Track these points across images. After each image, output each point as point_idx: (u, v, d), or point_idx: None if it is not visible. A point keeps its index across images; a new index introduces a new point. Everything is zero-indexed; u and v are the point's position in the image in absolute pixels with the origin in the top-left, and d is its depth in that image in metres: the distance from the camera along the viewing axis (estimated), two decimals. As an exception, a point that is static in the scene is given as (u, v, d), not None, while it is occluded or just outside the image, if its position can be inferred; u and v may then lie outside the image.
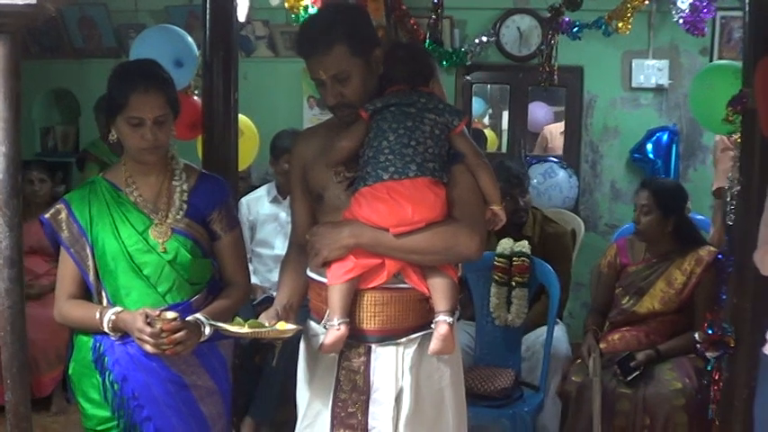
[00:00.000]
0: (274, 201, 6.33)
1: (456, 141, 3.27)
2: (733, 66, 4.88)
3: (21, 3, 2.64)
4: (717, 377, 4.66)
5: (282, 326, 3.17)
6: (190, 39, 4.95)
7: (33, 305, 6.04)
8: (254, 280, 5.97)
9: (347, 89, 3.24)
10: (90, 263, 3.50)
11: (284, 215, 6.17)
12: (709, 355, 4.64)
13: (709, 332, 4.57)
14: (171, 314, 3.31)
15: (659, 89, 7.79)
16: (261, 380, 5.73)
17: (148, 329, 3.27)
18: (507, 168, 5.95)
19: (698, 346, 4.70)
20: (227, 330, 3.23)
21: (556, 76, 7.12)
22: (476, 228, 3.21)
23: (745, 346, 4.38)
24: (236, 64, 4.72)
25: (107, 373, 3.46)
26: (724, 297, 4.90)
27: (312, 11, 4.87)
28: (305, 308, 3.50)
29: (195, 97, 4.91)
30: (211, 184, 3.68)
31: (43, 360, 6.17)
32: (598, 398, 4.82)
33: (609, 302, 5.48)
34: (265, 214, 6.32)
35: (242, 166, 5.07)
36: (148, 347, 3.30)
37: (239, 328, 3.18)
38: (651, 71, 7.71)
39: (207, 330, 3.38)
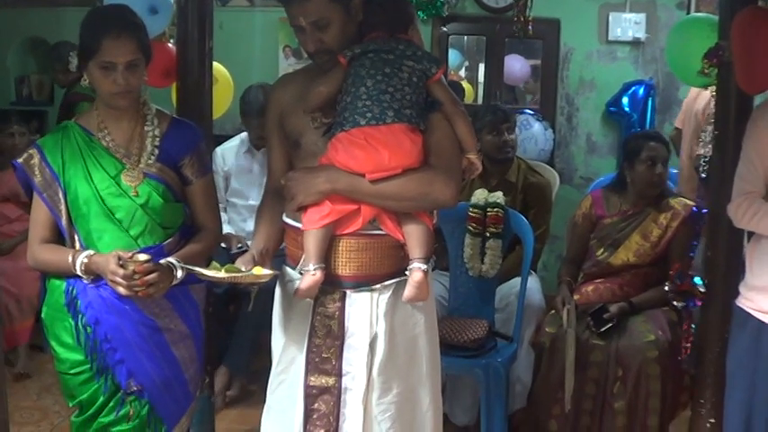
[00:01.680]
0: (248, 152, 6.32)
1: (434, 89, 3.26)
2: (709, 19, 4.88)
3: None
4: (685, 327, 4.69)
5: (259, 270, 3.17)
6: (166, -15, 4.91)
7: (4, 260, 6.05)
8: (228, 229, 5.98)
9: (327, 36, 3.22)
10: (62, 207, 3.49)
11: (257, 167, 6.17)
12: (676, 304, 4.68)
13: (678, 282, 4.60)
14: (143, 256, 3.32)
15: (636, 42, 7.80)
16: (235, 329, 5.76)
17: (121, 271, 3.27)
18: (495, 106, 6.00)
19: (668, 296, 4.73)
20: (203, 275, 3.23)
21: (531, 28, 7.09)
22: (451, 175, 3.21)
23: (719, 298, 4.39)
24: (212, 11, 4.69)
25: (80, 317, 3.48)
26: (695, 247, 4.93)
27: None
28: (281, 255, 3.50)
29: (170, 44, 4.87)
30: (183, 130, 3.68)
31: (16, 310, 6.17)
32: (572, 350, 4.84)
33: (583, 254, 5.49)
34: (239, 165, 6.31)
35: (216, 114, 5.03)
36: (121, 289, 3.31)
37: (216, 273, 3.17)
38: (628, 24, 7.72)
39: (179, 273, 3.40)
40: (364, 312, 3.25)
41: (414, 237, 3.21)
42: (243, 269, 3.18)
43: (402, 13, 3.39)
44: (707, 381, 4.49)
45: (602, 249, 5.34)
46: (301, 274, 3.23)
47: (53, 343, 3.59)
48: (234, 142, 6.43)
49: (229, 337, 5.75)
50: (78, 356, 3.52)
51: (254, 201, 5.90)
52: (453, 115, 3.27)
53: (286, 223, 3.38)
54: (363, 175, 3.11)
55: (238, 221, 6.26)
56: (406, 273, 3.22)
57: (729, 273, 4.35)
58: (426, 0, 7.70)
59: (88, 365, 3.51)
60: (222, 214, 5.26)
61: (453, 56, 9.49)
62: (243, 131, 6.46)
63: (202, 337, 3.73)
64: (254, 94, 6.17)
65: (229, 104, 5.91)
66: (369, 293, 3.26)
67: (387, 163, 3.10)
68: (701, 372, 4.56)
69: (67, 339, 3.52)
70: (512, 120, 5.93)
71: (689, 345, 4.68)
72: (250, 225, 5.39)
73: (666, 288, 4.75)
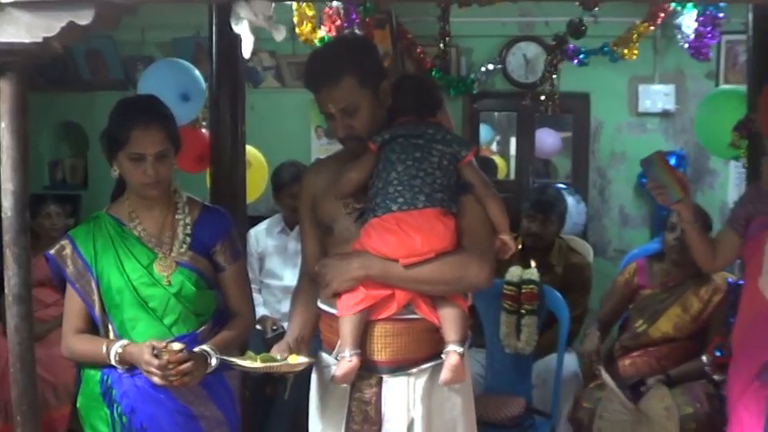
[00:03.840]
0: (282, 232, 6.33)
1: (464, 172, 3.27)
2: (738, 90, 4.90)
3: (27, 41, 2.65)
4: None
5: (294, 359, 3.17)
6: (197, 72, 4.98)
7: (39, 348, 6.05)
8: (263, 311, 5.98)
9: (356, 121, 3.24)
10: (95, 297, 3.51)
11: (292, 246, 6.17)
12: (716, 377, 4.64)
13: (718, 354, 4.56)
14: (177, 345, 3.32)
15: (666, 114, 7.78)
16: (272, 411, 5.73)
17: (156, 361, 3.28)
18: (540, 191, 5.99)
19: (706, 369, 4.69)
20: (239, 365, 3.23)
21: (558, 105, 7.11)
22: (485, 257, 3.21)
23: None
24: (243, 95, 4.73)
25: (115, 406, 3.47)
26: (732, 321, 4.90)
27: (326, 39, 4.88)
28: (316, 339, 3.49)
29: (203, 130, 4.92)
30: (214, 217, 3.69)
31: (53, 397, 6.16)
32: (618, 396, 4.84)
33: (613, 318, 5.50)
34: (273, 245, 6.32)
35: (251, 198, 5.08)
36: (156, 379, 3.31)
37: (252, 363, 3.18)
38: (657, 96, 7.70)
39: (213, 361, 3.40)
40: (401, 397, 3.22)
41: (449, 320, 3.19)
42: (278, 357, 3.18)
43: (430, 97, 3.42)
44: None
45: (640, 321, 5.32)
46: (337, 360, 3.21)
47: (89, 432, 3.60)
48: (267, 224, 6.45)
49: (266, 420, 5.73)
50: (115, 445, 3.52)
51: (289, 281, 5.91)
52: (485, 197, 3.27)
53: (321, 309, 3.37)
54: (397, 261, 3.12)
55: (273, 303, 6.24)
56: (442, 356, 3.20)
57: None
58: (457, 78, 7.74)
59: (124, 455, 3.52)
60: (256, 296, 5.27)
61: (485, 131, 9.50)
62: (277, 212, 6.49)
63: (237, 422, 3.71)
64: (286, 168, 6.20)
65: (264, 187, 5.94)
66: (405, 378, 3.23)
67: (419, 248, 3.10)
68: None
69: (103, 428, 3.52)
70: (549, 211, 5.91)
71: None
72: (285, 306, 5.39)
73: (704, 360, 4.72)
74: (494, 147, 10.71)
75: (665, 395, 4.87)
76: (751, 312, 3.98)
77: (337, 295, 3.22)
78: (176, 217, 3.59)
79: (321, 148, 7.90)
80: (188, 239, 3.57)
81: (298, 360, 3.17)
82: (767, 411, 3.78)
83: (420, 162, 3.17)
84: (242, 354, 3.29)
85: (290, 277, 6.01)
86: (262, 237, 6.37)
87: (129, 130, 3.39)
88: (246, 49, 3.25)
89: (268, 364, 3.16)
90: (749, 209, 4.14)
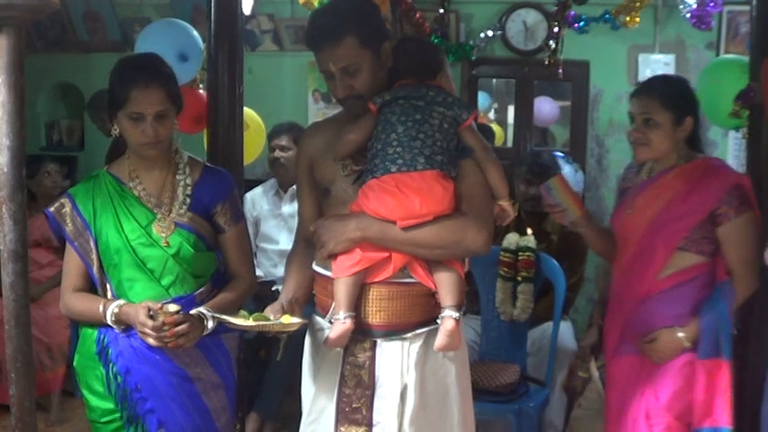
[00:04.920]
0: (276, 195, 6.34)
1: (465, 136, 3.26)
2: (740, 60, 4.86)
3: (26, -4, 2.63)
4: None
5: (287, 319, 3.15)
6: (195, 32, 4.93)
7: (34, 309, 6.04)
8: (258, 273, 5.99)
9: (357, 81, 3.23)
10: (94, 256, 3.50)
11: (286, 209, 6.19)
12: None
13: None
14: (173, 307, 3.32)
15: (665, 84, 7.76)
16: (266, 374, 5.74)
17: (151, 323, 3.28)
18: (536, 155, 6.00)
19: None
20: (231, 323, 3.21)
21: (561, 70, 7.09)
22: (484, 222, 3.20)
23: (753, 348, 4.36)
24: (241, 57, 4.70)
25: (111, 365, 3.49)
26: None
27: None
28: (310, 303, 3.49)
29: (201, 91, 4.89)
30: (215, 178, 3.68)
31: (47, 358, 6.17)
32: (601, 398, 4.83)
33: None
34: (268, 209, 6.34)
35: (248, 160, 5.05)
36: (151, 340, 3.31)
37: (244, 321, 3.16)
38: (657, 65, 7.66)
39: (210, 324, 3.40)
40: (395, 362, 3.22)
41: (445, 285, 3.19)
42: (271, 317, 3.17)
43: (432, 60, 3.40)
44: (742, 427, 4.45)
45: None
46: (331, 323, 3.21)
47: (84, 391, 3.60)
48: (263, 188, 6.45)
49: (260, 382, 5.74)
50: (109, 405, 3.52)
51: (284, 245, 5.92)
52: (485, 162, 3.26)
53: (316, 272, 3.37)
54: (394, 223, 3.10)
55: (268, 267, 6.25)
56: (438, 321, 3.19)
57: (763, 323, 4.30)
58: (455, 44, 7.70)
59: (119, 414, 3.51)
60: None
61: (482, 98, 9.46)
62: (272, 176, 6.49)
63: (234, 385, 3.72)
64: (281, 124, 6.35)
65: (261, 149, 5.93)
66: (400, 342, 3.23)
67: (418, 210, 3.09)
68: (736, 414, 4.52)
69: (99, 388, 3.53)
70: (551, 175, 5.88)
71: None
72: (280, 270, 5.39)
73: None
74: (491, 114, 10.67)
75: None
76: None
77: (333, 257, 3.21)
78: (177, 177, 3.57)
79: (318, 112, 7.88)
80: (188, 200, 3.55)
81: (291, 320, 3.14)
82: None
83: (420, 124, 3.16)
84: (235, 313, 3.27)
85: (285, 241, 6.02)
86: (258, 200, 6.38)
87: (128, 89, 3.37)
88: (247, 5, 3.23)
89: (260, 323, 3.14)
90: (621, 186, 4.39)
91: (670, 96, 3.96)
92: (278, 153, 6.22)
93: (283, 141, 6.21)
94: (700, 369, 3.84)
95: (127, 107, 3.38)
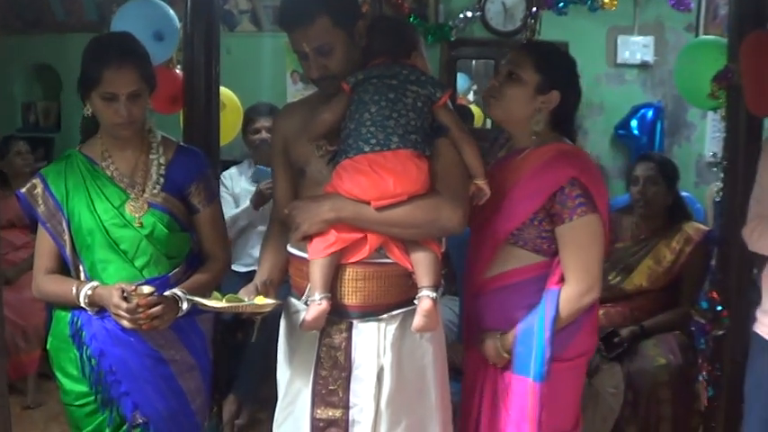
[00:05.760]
0: (252, 176, 6.31)
1: (439, 114, 3.23)
2: (718, 41, 4.87)
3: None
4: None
5: (261, 300, 3.14)
6: (171, 12, 4.90)
7: (9, 292, 6.02)
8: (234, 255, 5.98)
9: (330, 62, 3.21)
10: (66, 237, 3.48)
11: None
12: (715, 333, 4.64)
13: (703, 305, 4.58)
14: (147, 289, 3.31)
15: (644, 65, 7.74)
16: (243, 357, 5.72)
17: (124, 305, 3.26)
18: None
19: (700, 321, 4.70)
20: (204, 305, 3.19)
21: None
22: (459, 201, 3.18)
23: (729, 322, 4.38)
24: (218, 36, 4.69)
25: (84, 348, 3.47)
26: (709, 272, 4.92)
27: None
28: (286, 285, 3.47)
29: (177, 70, 4.86)
30: (189, 157, 3.66)
31: (22, 341, 6.14)
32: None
33: None
34: (245, 189, 6.30)
35: (225, 140, 5.03)
36: (125, 322, 3.29)
37: (217, 303, 3.14)
38: (636, 47, 7.67)
39: (184, 305, 3.38)
40: (371, 343, 3.20)
41: (422, 265, 3.17)
42: (245, 299, 3.15)
43: (406, 39, 3.38)
44: (719, 404, 4.47)
45: (614, 273, 5.32)
46: (307, 304, 3.18)
47: (58, 374, 3.58)
48: (240, 167, 6.42)
49: (238, 365, 5.72)
50: (83, 388, 3.50)
51: (261, 226, 5.88)
52: (460, 141, 3.24)
53: (291, 253, 3.34)
54: (369, 203, 3.08)
55: (246, 248, 6.22)
56: (415, 302, 3.17)
57: (740, 297, 4.33)
58: (434, 25, 7.67)
59: (93, 397, 3.50)
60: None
61: (462, 80, 9.41)
62: (247, 159, 6.46)
63: (209, 367, 3.72)
64: (257, 104, 6.34)
65: (238, 130, 5.90)
66: (376, 323, 3.21)
67: (392, 190, 3.07)
68: (712, 395, 4.53)
69: (72, 371, 3.51)
70: None
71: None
72: (256, 251, 5.36)
73: (695, 318, 4.73)
74: (470, 96, 10.63)
75: (616, 373, 4.87)
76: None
77: (308, 239, 3.19)
78: (150, 157, 3.55)
79: (297, 93, 7.84)
80: (161, 180, 3.53)
81: (265, 301, 3.13)
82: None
83: (394, 103, 3.13)
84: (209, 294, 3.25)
85: (261, 222, 5.99)
86: (236, 178, 6.34)
87: (101, 69, 3.34)
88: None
89: (234, 305, 3.12)
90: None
91: (546, 60, 3.62)
92: (264, 134, 6.17)
93: (268, 123, 6.17)
94: (511, 384, 3.50)
95: (100, 87, 3.35)
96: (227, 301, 3.13)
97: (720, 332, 4.55)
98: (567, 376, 3.56)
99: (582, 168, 3.49)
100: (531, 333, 3.42)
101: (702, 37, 6.86)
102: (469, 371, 3.75)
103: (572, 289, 3.43)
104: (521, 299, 3.50)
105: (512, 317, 3.50)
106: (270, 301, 3.15)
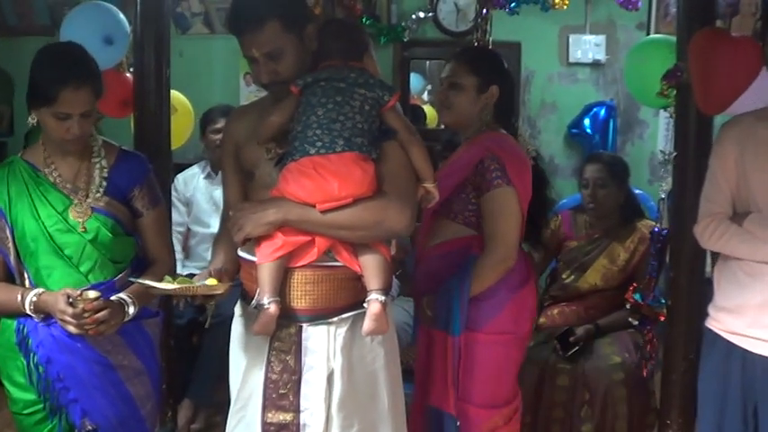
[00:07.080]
0: (208, 177, 6.29)
1: (388, 117, 3.23)
2: (667, 40, 4.89)
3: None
4: (649, 348, 4.69)
5: (212, 281, 3.12)
6: (122, 15, 4.88)
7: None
8: (187, 261, 5.97)
9: (281, 66, 3.21)
10: (10, 244, 3.45)
11: (218, 193, 6.12)
12: (630, 319, 4.70)
13: (636, 297, 4.61)
14: (92, 293, 3.29)
15: (596, 64, 7.78)
16: (198, 360, 5.70)
17: (70, 310, 3.24)
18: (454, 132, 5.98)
19: (629, 317, 4.75)
20: (155, 288, 3.15)
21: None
22: (405, 203, 3.17)
23: (682, 318, 4.42)
24: (169, 40, 4.69)
25: (31, 356, 3.44)
26: (656, 267, 4.93)
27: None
28: (238, 287, 3.45)
29: (128, 74, 4.84)
30: (131, 162, 3.64)
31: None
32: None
33: (541, 268, 5.52)
34: (200, 191, 6.27)
35: (176, 144, 5.01)
36: (71, 328, 3.28)
37: (168, 285, 3.11)
38: (588, 46, 7.70)
39: (131, 309, 3.38)
40: (321, 346, 3.19)
41: (370, 267, 3.16)
42: (197, 282, 3.14)
43: (356, 42, 3.38)
44: (673, 402, 4.49)
45: (568, 272, 5.35)
46: (256, 308, 3.16)
47: (6, 383, 3.55)
48: (194, 170, 6.39)
49: (192, 369, 5.70)
50: (31, 396, 3.48)
51: (215, 228, 5.84)
52: (408, 143, 3.23)
53: (241, 257, 3.32)
54: (314, 206, 3.07)
55: (200, 252, 6.20)
56: (365, 305, 3.16)
57: (692, 293, 4.36)
58: (387, 26, 7.67)
59: (41, 405, 3.48)
60: (179, 243, 5.28)
61: (415, 80, 9.44)
62: (204, 159, 6.44)
63: (158, 372, 3.70)
64: (216, 108, 6.34)
65: (190, 133, 5.88)
66: (326, 327, 3.19)
67: (337, 193, 3.05)
68: (667, 393, 4.55)
69: (20, 379, 3.49)
70: None
71: (651, 362, 4.71)
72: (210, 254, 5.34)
73: (627, 307, 4.75)
74: (425, 96, 10.66)
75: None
76: None
77: (251, 240, 3.18)
78: (92, 161, 3.53)
79: (250, 95, 7.79)
80: (104, 184, 3.51)
81: (216, 284, 3.12)
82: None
83: (341, 106, 3.13)
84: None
85: (216, 224, 5.95)
86: (190, 181, 6.32)
87: (57, 89, 3.29)
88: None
89: (184, 286, 3.09)
90: None
91: (478, 63, 4.07)
92: (215, 138, 6.15)
93: (220, 125, 6.15)
94: (435, 339, 3.94)
95: (54, 107, 3.30)
96: (179, 283, 3.11)
97: (636, 321, 4.64)
98: (490, 350, 3.95)
99: (501, 146, 3.93)
100: (449, 292, 3.85)
101: (652, 36, 6.89)
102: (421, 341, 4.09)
103: (487, 257, 3.85)
104: (451, 267, 3.89)
105: (441, 282, 3.90)
106: (222, 284, 3.13)
